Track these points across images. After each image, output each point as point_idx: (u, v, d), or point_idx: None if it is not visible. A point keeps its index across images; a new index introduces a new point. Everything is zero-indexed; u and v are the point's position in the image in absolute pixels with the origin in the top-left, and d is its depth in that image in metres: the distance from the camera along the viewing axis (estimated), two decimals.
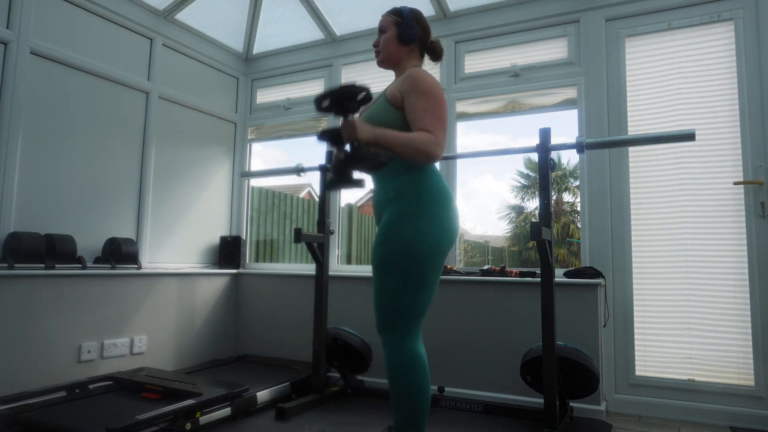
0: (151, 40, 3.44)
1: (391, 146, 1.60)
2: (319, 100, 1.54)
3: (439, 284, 3.01)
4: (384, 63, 1.88)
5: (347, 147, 1.57)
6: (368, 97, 1.54)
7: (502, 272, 2.99)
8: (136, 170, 3.33)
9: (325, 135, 1.60)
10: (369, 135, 1.58)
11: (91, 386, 2.61)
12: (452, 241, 1.71)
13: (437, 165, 3.35)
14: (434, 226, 1.64)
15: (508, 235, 18.19)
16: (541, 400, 2.68)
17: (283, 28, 3.90)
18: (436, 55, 1.92)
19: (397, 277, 1.62)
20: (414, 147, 1.60)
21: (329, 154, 3.08)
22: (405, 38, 1.82)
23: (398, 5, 1.92)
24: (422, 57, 1.91)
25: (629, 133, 2.93)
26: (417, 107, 1.66)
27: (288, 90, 4.08)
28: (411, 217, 1.64)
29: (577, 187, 15.90)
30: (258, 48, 4.11)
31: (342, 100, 1.52)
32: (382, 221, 1.72)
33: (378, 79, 3.47)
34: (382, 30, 1.88)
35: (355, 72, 3.80)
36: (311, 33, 3.86)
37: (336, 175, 1.56)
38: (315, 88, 3.96)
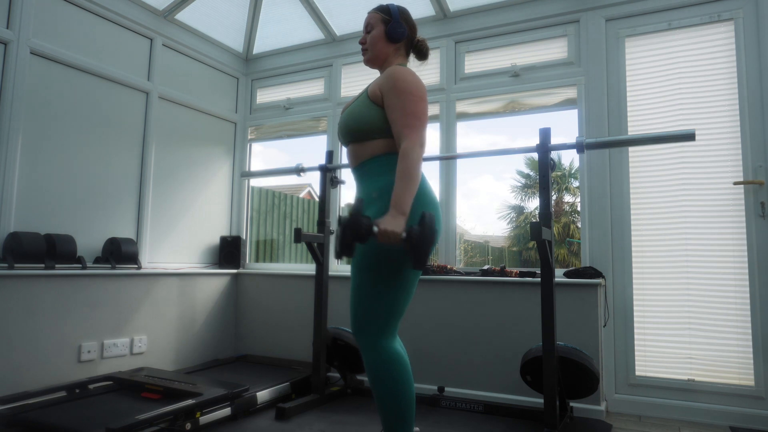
0: (151, 40, 3.45)
1: (410, 198, 1.54)
2: (346, 252, 1.48)
3: (440, 284, 3.03)
4: (371, 62, 1.86)
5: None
6: (368, 221, 1.50)
7: (502, 272, 2.99)
8: (136, 170, 3.33)
9: (353, 241, 1.49)
10: (402, 223, 1.50)
11: (91, 386, 2.62)
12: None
13: (435, 164, 3.36)
14: None
15: (508, 235, 18.19)
16: (541, 400, 2.68)
17: (283, 28, 3.90)
18: (422, 55, 1.91)
19: (376, 277, 1.62)
20: (413, 174, 1.55)
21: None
22: (393, 36, 1.80)
23: (388, 3, 1.91)
24: (408, 55, 1.90)
25: (629, 133, 2.93)
26: (394, 107, 1.64)
27: (288, 90, 4.08)
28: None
29: (577, 187, 15.91)
30: (258, 48, 4.11)
31: (358, 237, 1.47)
32: None
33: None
34: (368, 28, 1.86)
35: (355, 72, 3.80)
36: (311, 33, 3.86)
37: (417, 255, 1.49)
38: (315, 88, 3.96)
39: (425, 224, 1.48)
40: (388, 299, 1.63)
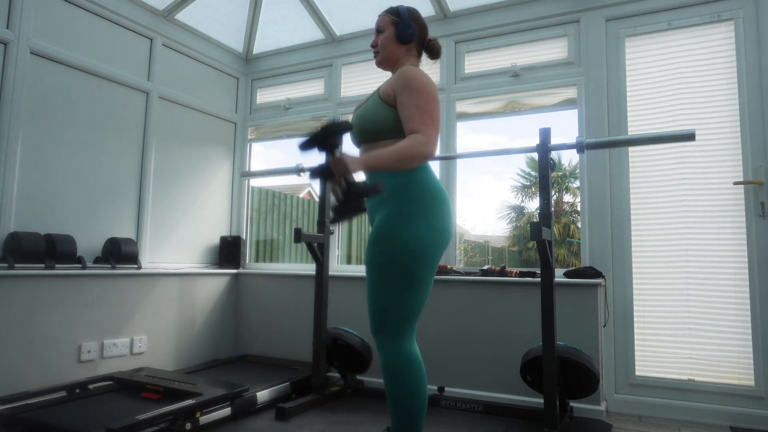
0: (151, 40, 3.45)
1: (384, 167, 1.58)
2: (304, 145, 1.54)
3: (439, 284, 3.03)
4: (382, 63, 1.87)
5: (343, 182, 1.54)
6: (350, 128, 1.55)
7: (502, 272, 2.99)
8: (136, 170, 3.33)
9: (316, 173, 1.57)
10: (359, 166, 1.54)
11: (91, 386, 2.62)
12: (447, 241, 1.70)
13: (435, 164, 3.36)
14: (429, 227, 1.63)
15: (508, 235, 18.19)
16: (541, 400, 2.68)
17: (283, 28, 3.90)
18: (434, 54, 1.91)
19: (392, 278, 1.61)
20: (406, 156, 1.58)
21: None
22: (403, 38, 1.81)
23: (396, 4, 1.92)
24: (420, 56, 1.90)
25: (629, 133, 2.92)
26: (408, 104, 1.65)
27: (288, 90, 4.08)
28: (405, 218, 1.63)
29: (577, 187, 15.91)
30: (258, 48, 4.11)
31: (325, 138, 1.52)
32: (376, 221, 1.71)
33: (378, 79, 3.47)
34: (379, 30, 1.86)
35: (355, 72, 3.80)
36: (311, 33, 3.86)
37: (339, 212, 1.52)
38: (315, 88, 3.96)
39: (372, 186, 1.48)
40: (404, 299, 1.62)
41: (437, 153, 3.35)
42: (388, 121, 1.69)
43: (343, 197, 1.52)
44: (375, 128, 1.71)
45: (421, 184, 1.67)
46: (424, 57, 1.93)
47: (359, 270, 3.60)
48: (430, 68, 3.48)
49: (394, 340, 1.63)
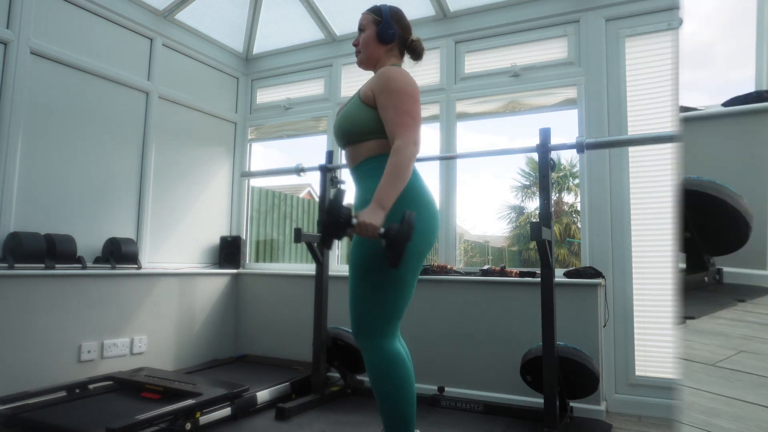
0: (151, 40, 3.45)
1: (395, 196, 1.54)
2: (327, 242, 1.51)
3: (439, 284, 3.03)
4: (363, 63, 1.84)
5: (377, 237, 1.50)
6: (348, 212, 1.50)
7: (502, 272, 2.99)
8: (136, 170, 3.33)
9: (333, 236, 1.52)
10: (381, 217, 1.50)
11: (91, 386, 2.62)
12: (431, 242, 1.69)
13: (435, 164, 3.35)
14: None
15: (508, 235, 18.19)
16: (541, 400, 2.67)
17: (283, 28, 3.90)
18: (417, 54, 1.87)
19: (375, 279, 1.61)
20: (400, 171, 1.54)
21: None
22: (384, 38, 1.78)
23: (381, 3, 1.89)
24: (402, 56, 1.86)
25: (629, 133, 2.92)
26: (387, 107, 1.62)
27: (288, 90, 4.08)
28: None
29: (576, 185, 15.91)
30: (258, 48, 4.11)
31: (338, 229, 1.49)
32: None
33: None
34: (361, 29, 1.83)
35: (355, 72, 3.80)
36: (311, 33, 3.86)
37: (393, 258, 1.48)
38: (315, 88, 3.96)
39: (404, 222, 1.46)
40: (386, 300, 1.62)
41: (437, 153, 3.35)
42: (369, 122, 1.67)
43: (390, 248, 1.47)
44: (357, 130, 1.69)
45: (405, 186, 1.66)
46: (408, 58, 1.89)
47: None
48: (429, 68, 3.48)
49: (376, 341, 1.62)
